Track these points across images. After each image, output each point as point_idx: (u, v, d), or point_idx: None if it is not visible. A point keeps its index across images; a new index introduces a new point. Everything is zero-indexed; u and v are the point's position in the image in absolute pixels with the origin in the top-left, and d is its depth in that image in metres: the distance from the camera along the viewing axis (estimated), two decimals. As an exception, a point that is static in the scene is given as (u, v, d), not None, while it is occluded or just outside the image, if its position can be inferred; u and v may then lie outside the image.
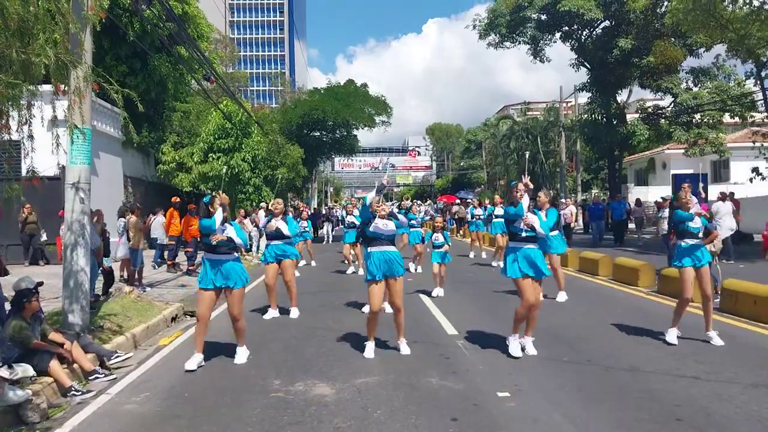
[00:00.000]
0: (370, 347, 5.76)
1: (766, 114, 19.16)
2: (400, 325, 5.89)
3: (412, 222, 12.89)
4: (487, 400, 4.50)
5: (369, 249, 5.69)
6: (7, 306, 5.92)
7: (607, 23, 25.74)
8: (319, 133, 27.42)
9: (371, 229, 5.65)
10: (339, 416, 4.21)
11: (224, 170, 15.97)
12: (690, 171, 25.48)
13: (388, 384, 4.89)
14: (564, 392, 4.66)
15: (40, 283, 5.56)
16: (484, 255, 15.54)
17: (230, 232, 5.65)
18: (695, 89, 24.37)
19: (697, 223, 6.15)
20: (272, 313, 8.09)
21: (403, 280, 5.76)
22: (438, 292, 9.41)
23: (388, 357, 5.76)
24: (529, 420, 4.08)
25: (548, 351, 5.78)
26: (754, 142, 19.70)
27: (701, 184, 12.32)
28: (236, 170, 17.18)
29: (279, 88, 53.25)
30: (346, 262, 13.27)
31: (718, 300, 7.92)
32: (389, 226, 5.68)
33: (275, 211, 8.17)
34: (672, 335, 6.07)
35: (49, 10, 4.81)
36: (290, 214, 13.14)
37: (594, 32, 26.62)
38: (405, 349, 5.82)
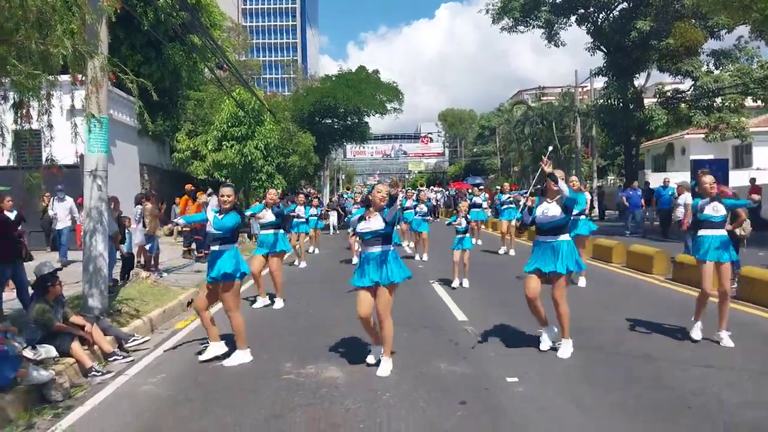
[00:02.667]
0: (373, 351, 5.19)
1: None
2: (384, 339, 4.95)
3: (421, 208, 12.90)
4: (495, 384, 4.56)
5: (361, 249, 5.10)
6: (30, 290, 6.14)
7: (624, 5, 25.17)
8: (330, 121, 27.41)
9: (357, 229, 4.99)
10: (349, 398, 4.31)
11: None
12: (711, 156, 25.00)
13: (398, 368, 4.96)
14: (573, 378, 4.69)
15: (59, 269, 5.74)
16: (479, 242, 15.46)
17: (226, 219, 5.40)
18: (716, 72, 23.78)
19: (719, 211, 5.63)
20: (261, 301, 8.16)
21: (389, 288, 4.84)
22: (458, 282, 9.06)
23: (397, 342, 5.80)
24: (537, 405, 4.13)
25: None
26: (775, 127, 19.24)
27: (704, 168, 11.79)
28: (249, 158, 17.30)
29: (292, 76, 53.22)
30: (352, 252, 13.28)
31: (736, 287, 7.86)
32: (371, 223, 4.87)
33: (269, 201, 8.07)
34: (696, 330, 5.71)
35: (66, 1, 4.90)
36: (295, 201, 13.24)
37: (611, 14, 26.06)
38: (383, 369, 4.85)
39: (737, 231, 8.20)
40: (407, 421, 3.88)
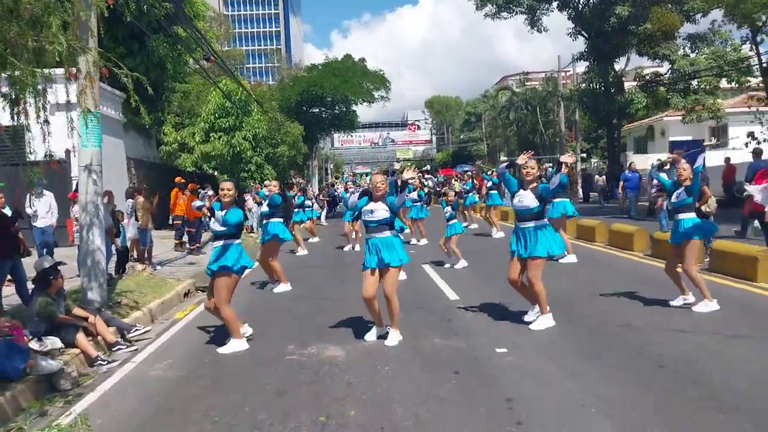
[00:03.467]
0: (375, 330, 5.56)
1: (761, 79, 19.15)
2: (393, 313, 5.38)
3: (412, 196, 13.15)
4: (486, 355, 4.86)
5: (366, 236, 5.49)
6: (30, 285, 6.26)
7: (604, -10, 25.48)
8: (318, 110, 27.48)
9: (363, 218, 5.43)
10: (350, 373, 4.58)
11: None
12: (689, 137, 25.56)
13: (395, 345, 5.23)
14: (558, 347, 5.01)
15: (60, 262, 5.88)
16: (475, 225, 15.88)
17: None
18: (692, 55, 24.28)
19: (678, 197, 6.10)
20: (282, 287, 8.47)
21: (394, 270, 5.25)
22: (455, 262, 9.58)
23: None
24: (524, 371, 4.44)
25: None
26: (749, 107, 19.77)
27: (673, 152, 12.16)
28: (237, 149, 17.36)
29: (276, 65, 52.86)
30: (346, 239, 13.45)
31: (708, 260, 8.26)
32: (376, 213, 5.26)
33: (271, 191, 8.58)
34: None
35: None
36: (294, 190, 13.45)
37: (591, 0, 26.37)
38: (391, 339, 5.30)
39: (703, 208, 8.56)
40: (405, 390, 4.17)
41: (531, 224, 5.62)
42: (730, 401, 3.75)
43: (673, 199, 6.16)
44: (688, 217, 6.02)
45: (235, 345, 5.45)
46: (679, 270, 6.09)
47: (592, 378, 4.27)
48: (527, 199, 5.64)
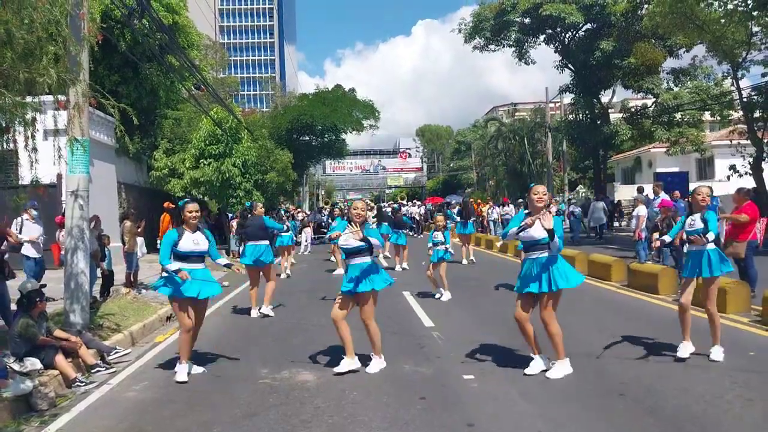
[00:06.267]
0: (341, 363, 5.30)
1: (742, 113, 19.74)
2: (371, 340, 5.38)
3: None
4: (453, 381, 5.00)
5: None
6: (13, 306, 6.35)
7: (589, 26, 26.38)
8: (308, 138, 27.97)
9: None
10: (319, 398, 4.70)
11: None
12: (675, 169, 26.13)
13: (376, 372, 5.30)
14: (523, 375, 5.13)
15: (44, 285, 6.01)
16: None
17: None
18: (676, 89, 25.03)
19: (693, 226, 5.37)
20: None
21: (370, 295, 5.22)
22: (441, 293, 9.22)
23: (367, 347, 6.18)
24: (489, 397, 4.58)
25: (515, 340, 6.20)
26: (731, 140, 20.30)
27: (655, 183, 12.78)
28: (227, 175, 17.58)
29: (270, 93, 53.70)
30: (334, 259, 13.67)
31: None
32: (351, 241, 5.21)
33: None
34: (682, 349, 5.37)
35: (50, 34, 5.25)
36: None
37: (577, 35, 27.24)
38: (373, 366, 5.29)
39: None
40: (371, 415, 4.28)
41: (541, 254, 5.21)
42: (687, 430, 3.89)
43: (687, 227, 5.45)
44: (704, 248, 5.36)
45: (177, 369, 5.33)
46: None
47: (553, 404, 4.41)
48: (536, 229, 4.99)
